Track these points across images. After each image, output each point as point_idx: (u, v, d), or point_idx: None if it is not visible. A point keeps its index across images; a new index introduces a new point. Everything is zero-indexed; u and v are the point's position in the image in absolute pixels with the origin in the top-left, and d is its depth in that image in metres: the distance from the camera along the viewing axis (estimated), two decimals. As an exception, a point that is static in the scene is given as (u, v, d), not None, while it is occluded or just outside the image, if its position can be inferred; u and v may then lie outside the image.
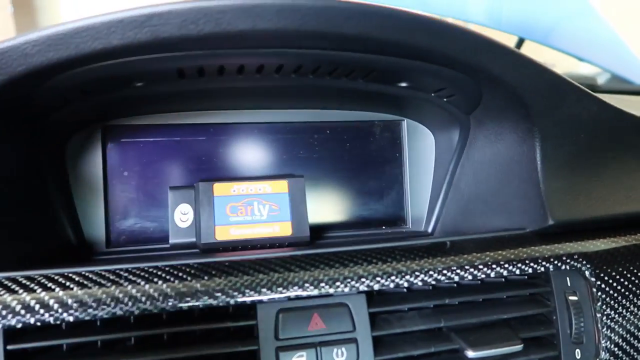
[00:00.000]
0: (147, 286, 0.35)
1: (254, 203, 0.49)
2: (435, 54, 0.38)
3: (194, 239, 0.47)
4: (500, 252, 0.42)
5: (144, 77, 0.39)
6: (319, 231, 0.54)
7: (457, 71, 0.41)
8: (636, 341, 0.42)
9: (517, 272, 0.41)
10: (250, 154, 0.53)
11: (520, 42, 1.17)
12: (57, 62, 0.32)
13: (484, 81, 0.43)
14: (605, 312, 0.42)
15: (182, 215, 0.48)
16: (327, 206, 0.55)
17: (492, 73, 0.41)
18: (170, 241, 0.47)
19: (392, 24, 0.35)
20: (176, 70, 0.38)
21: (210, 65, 0.38)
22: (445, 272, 0.39)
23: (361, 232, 0.56)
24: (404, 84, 0.47)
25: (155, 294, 0.35)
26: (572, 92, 0.45)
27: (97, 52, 0.31)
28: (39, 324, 0.32)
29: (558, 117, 0.44)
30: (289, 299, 0.36)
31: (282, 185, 0.50)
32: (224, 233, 0.47)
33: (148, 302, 0.34)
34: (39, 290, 0.34)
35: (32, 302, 0.33)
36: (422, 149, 0.58)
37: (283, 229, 0.49)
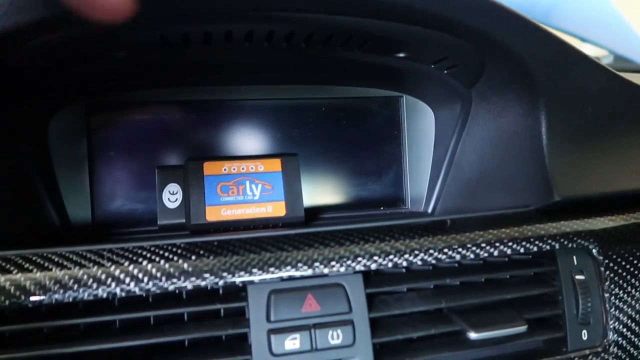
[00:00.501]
0: (131, 266, 0.33)
1: (246, 182, 0.47)
2: (435, 17, 0.35)
3: (183, 220, 0.45)
4: (504, 230, 0.40)
5: (125, 45, 0.36)
6: (314, 212, 0.53)
7: (458, 38, 0.39)
8: (646, 321, 0.40)
9: (522, 250, 0.39)
10: (242, 132, 0.51)
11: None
12: (26, 26, 0.29)
13: (487, 49, 0.40)
14: (614, 292, 0.40)
15: (171, 195, 0.46)
16: (322, 186, 0.53)
17: (496, 39, 0.38)
18: (158, 222, 0.45)
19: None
20: (159, 37, 0.35)
21: (195, 31, 0.35)
22: (446, 250, 0.37)
23: (358, 213, 0.54)
24: (402, 55, 0.44)
25: (140, 275, 0.33)
26: (580, 61, 0.42)
27: (70, 15, 0.29)
28: (15, 307, 0.31)
29: (565, 89, 0.42)
30: (282, 279, 0.35)
31: (275, 164, 0.48)
32: (214, 213, 0.45)
33: (132, 284, 0.32)
34: (15, 271, 0.32)
35: (7, 284, 0.31)
36: (421, 126, 0.56)
37: (276, 209, 0.47)
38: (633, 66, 1.10)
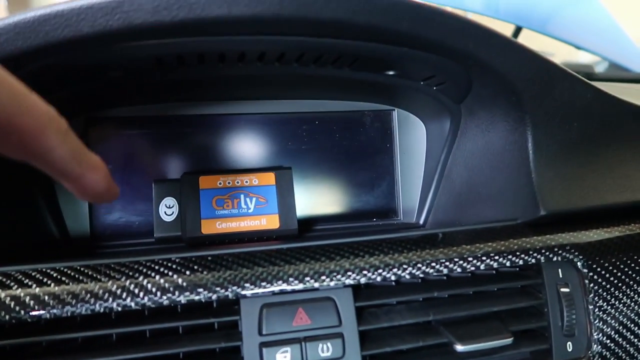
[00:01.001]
0: (127, 282, 0.34)
1: (241, 196, 0.48)
2: (420, 39, 0.37)
3: (179, 233, 0.46)
4: (490, 243, 0.41)
5: (121, 66, 0.37)
6: (308, 224, 0.54)
7: (444, 57, 0.40)
8: (628, 333, 0.41)
9: (508, 263, 0.40)
10: (236, 145, 0.52)
11: (518, 31, 1.16)
12: (26, 51, 0.30)
13: (473, 68, 0.42)
14: (598, 304, 0.41)
15: (167, 208, 0.47)
16: (316, 198, 0.54)
17: (480, 59, 0.39)
18: (155, 235, 0.46)
19: (371, 8, 0.33)
20: (154, 58, 0.37)
21: (188, 53, 0.37)
22: (433, 264, 0.39)
23: (351, 225, 0.55)
24: (391, 72, 0.46)
25: (136, 290, 0.34)
26: (564, 79, 0.43)
27: (67, 40, 0.30)
28: (14, 321, 0.32)
29: (550, 105, 0.43)
30: (273, 293, 0.36)
31: (269, 178, 0.49)
32: (210, 226, 0.46)
33: (129, 298, 0.34)
34: (14, 287, 0.33)
35: (7, 300, 0.32)
36: (413, 139, 0.57)
37: (270, 221, 0.48)
38: (628, 74, 1.11)
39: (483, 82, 0.44)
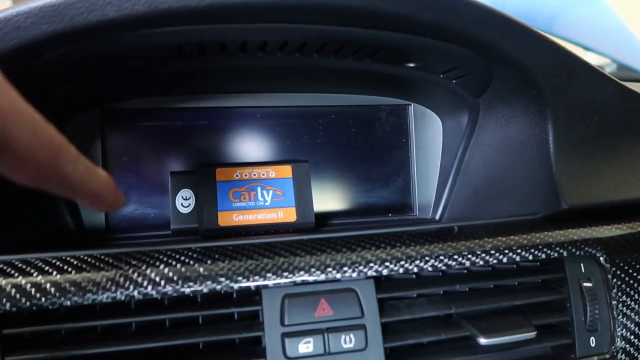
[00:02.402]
0: (148, 270, 0.34)
1: (258, 188, 0.47)
2: (444, 29, 0.36)
3: (195, 225, 0.46)
4: (512, 237, 0.40)
5: (142, 54, 0.37)
6: (323, 218, 0.53)
7: (466, 49, 0.40)
8: (653, 328, 0.40)
9: (530, 257, 0.39)
10: (253, 138, 0.52)
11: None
12: (51, 35, 0.30)
13: (495, 60, 0.41)
14: (621, 300, 0.40)
15: (184, 200, 0.47)
16: (331, 193, 0.54)
17: (503, 50, 0.39)
18: (171, 227, 0.46)
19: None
20: (176, 46, 0.36)
21: (211, 41, 0.36)
22: (456, 257, 0.38)
23: (367, 220, 0.54)
24: (411, 65, 0.45)
25: (157, 278, 0.33)
26: (586, 72, 0.43)
27: (92, 25, 0.30)
28: (34, 308, 0.31)
29: (571, 99, 0.43)
30: (295, 284, 0.35)
31: (286, 170, 0.49)
32: (226, 219, 0.46)
33: (149, 287, 0.33)
34: (35, 274, 0.32)
35: (28, 286, 0.32)
36: (429, 134, 0.56)
37: (287, 214, 0.47)
38: (636, 75, 1.10)
39: (504, 75, 0.44)
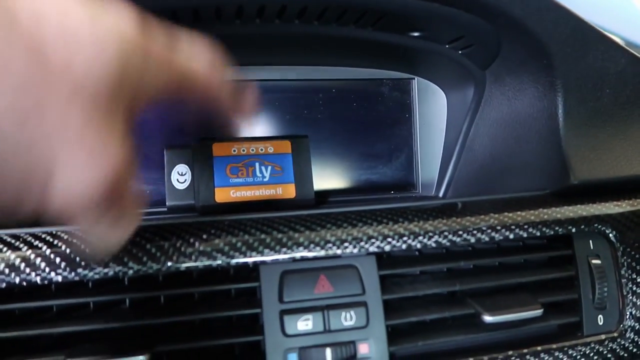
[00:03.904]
0: (141, 244, 0.32)
1: (256, 164, 0.46)
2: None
3: (192, 202, 0.45)
4: (519, 213, 0.39)
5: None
6: (323, 195, 0.52)
7: (474, 15, 0.38)
8: (664, 306, 0.39)
9: (538, 234, 0.38)
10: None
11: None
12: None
13: (504, 27, 0.39)
14: (631, 277, 0.39)
15: (180, 176, 0.45)
16: (332, 169, 0.53)
17: (514, 16, 0.37)
18: (167, 203, 0.45)
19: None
20: (169, 10, 0.35)
21: (205, 5, 0.34)
22: (461, 233, 0.37)
23: (368, 197, 0.53)
24: (416, 34, 0.43)
25: (150, 254, 0.32)
26: (599, 41, 0.41)
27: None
28: (24, 284, 0.30)
29: (583, 69, 0.41)
30: (294, 260, 0.34)
31: (285, 146, 0.47)
32: (224, 195, 0.44)
33: (143, 262, 0.32)
34: (24, 249, 0.31)
35: (17, 261, 0.30)
36: (433, 109, 0.55)
37: (286, 191, 0.46)
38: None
39: (513, 44, 0.42)
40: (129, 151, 0.21)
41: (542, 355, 0.36)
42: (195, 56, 0.24)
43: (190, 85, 0.25)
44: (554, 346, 0.36)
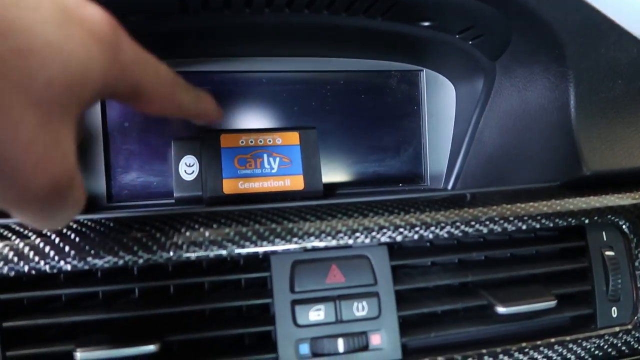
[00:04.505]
0: (151, 234, 0.32)
1: (264, 155, 0.46)
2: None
3: (199, 193, 0.44)
4: (531, 204, 0.38)
5: (142, 8, 0.35)
6: (332, 187, 0.51)
7: (485, 3, 0.37)
8: (679, 298, 0.39)
9: (551, 225, 0.38)
10: (258, 104, 0.50)
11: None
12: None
13: (515, 16, 0.39)
14: (644, 269, 0.39)
15: (187, 167, 0.45)
16: (340, 162, 0.52)
17: (525, 5, 0.37)
18: (175, 195, 0.44)
19: None
20: (180, 1, 0.34)
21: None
22: (473, 223, 0.36)
23: (376, 189, 0.53)
24: (426, 23, 0.43)
25: (160, 243, 0.32)
26: (611, 31, 0.41)
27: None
28: (33, 272, 0.30)
29: (595, 60, 0.41)
30: (305, 249, 0.34)
31: (293, 137, 0.47)
32: (232, 186, 0.44)
33: (152, 252, 0.32)
34: (33, 237, 0.31)
35: (27, 249, 0.30)
36: (442, 101, 0.54)
37: (294, 182, 0.46)
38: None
39: (524, 34, 0.41)
40: (75, 155, 0.20)
41: (555, 347, 0.36)
42: (154, 72, 0.25)
43: (148, 98, 0.25)
44: (568, 338, 0.36)
